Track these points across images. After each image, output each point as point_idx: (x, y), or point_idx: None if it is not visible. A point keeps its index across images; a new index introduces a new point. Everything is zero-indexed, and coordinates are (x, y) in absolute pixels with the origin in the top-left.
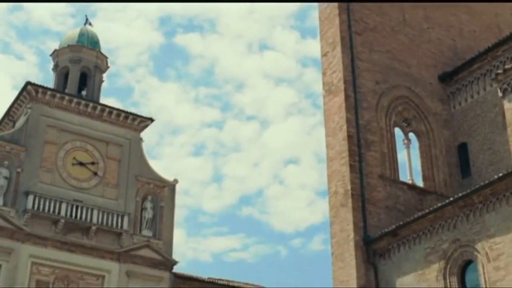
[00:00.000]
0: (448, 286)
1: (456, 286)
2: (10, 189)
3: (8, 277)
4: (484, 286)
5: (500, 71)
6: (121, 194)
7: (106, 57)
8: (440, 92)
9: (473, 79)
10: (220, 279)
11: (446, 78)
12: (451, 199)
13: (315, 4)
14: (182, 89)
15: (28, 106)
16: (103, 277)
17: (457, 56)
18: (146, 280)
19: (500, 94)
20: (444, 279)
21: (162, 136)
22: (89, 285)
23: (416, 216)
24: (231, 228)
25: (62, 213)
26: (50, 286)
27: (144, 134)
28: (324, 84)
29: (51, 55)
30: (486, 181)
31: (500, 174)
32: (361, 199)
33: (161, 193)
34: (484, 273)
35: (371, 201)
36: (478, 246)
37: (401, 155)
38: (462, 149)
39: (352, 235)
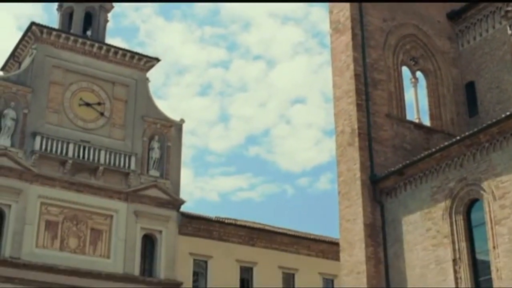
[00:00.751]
0: (454, 224)
1: (462, 224)
2: (18, 131)
3: (18, 217)
4: (489, 224)
5: (509, 8)
6: (128, 135)
7: None
8: (448, 30)
9: (482, 17)
10: (228, 218)
11: (454, 16)
12: (458, 138)
13: None
14: (188, 29)
15: (33, 47)
16: (111, 216)
17: None
18: (153, 219)
19: (509, 32)
20: (450, 217)
21: (168, 76)
22: (98, 224)
23: (422, 155)
24: (238, 167)
25: (70, 153)
26: (59, 225)
27: (150, 74)
28: (331, 22)
29: None
30: (493, 120)
31: (508, 113)
32: (368, 138)
33: (168, 133)
34: (489, 212)
35: (378, 140)
36: (484, 184)
37: (409, 94)
38: (470, 87)
39: (358, 174)
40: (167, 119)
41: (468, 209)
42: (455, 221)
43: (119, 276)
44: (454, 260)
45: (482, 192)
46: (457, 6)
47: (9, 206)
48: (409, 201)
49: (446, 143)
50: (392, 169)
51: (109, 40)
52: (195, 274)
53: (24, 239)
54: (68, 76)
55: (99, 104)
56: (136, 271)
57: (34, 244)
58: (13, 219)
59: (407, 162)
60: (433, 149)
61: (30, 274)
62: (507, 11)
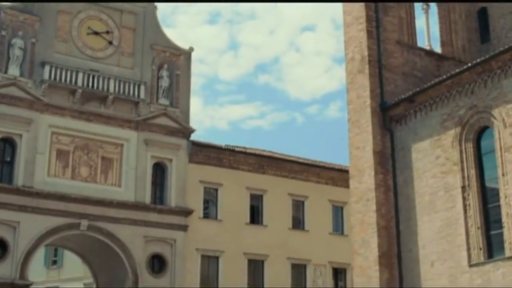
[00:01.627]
0: (463, 151)
1: (471, 152)
2: (26, 60)
3: (29, 147)
4: (499, 151)
5: None
6: (137, 63)
7: None
8: None
9: None
10: (237, 147)
11: None
12: (469, 64)
13: None
14: None
15: None
16: (122, 145)
17: None
18: (164, 148)
19: None
20: (460, 144)
21: (177, 5)
22: (109, 153)
23: (433, 82)
24: (248, 96)
25: (79, 82)
26: (70, 155)
27: (158, 3)
28: None
29: None
30: (506, 46)
31: None
32: (378, 65)
33: (177, 61)
34: (499, 139)
35: (388, 67)
36: (495, 112)
37: (420, 21)
38: (482, 14)
39: (368, 101)
40: (176, 47)
41: (478, 137)
42: (465, 148)
43: (131, 204)
44: (463, 187)
45: (492, 119)
46: None
47: (20, 135)
48: (418, 128)
49: (457, 70)
50: (402, 96)
51: None
52: (206, 201)
53: (36, 168)
54: (75, 4)
55: (107, 32)
56: (147, 199)
57: (46, 173)
58: (25, 148)
59: (418, 89)
60: (444, 76)
61: (42, 203)
62: None
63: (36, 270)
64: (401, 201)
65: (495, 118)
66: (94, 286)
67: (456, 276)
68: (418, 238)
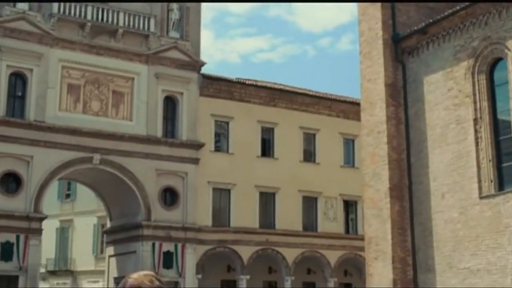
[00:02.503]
0: (476, 83)
1: (484, 84)
2: None
3: (40, 81)
4: None
5: None
6: None
7: None
8: None
9: None
10: (248, 80)
11: None
12: None
13: None
14: None
15: None
16: (133, 79)
17: None
18: (175, 81)
19: None
20: (473, 76)
21: None
22: (119, 87)
23: (446, 13)
24: (259, 28)
25: (88, 16)
26: (81, 89)
27: None
28: None
29: None
30: None
31: None
32: None
33: None
34: None
35: None
36: (509, 43)
37: None
38: None
39: (380, 33)
40: None
41: (491, 68)
42: (478, 80)
43: (142, 138)
44: (475, 120)
45: (506, 51)
46: None
47: (31, 70)
48: (431, 60)
49: (471, 1)
50: (415, 28)
51: None
52: (217, 135)
53: (47, 103)
54: None
55: None
56: (159, 133)
57: (57, 108)
58: (36, 83)
59: (431, 20)
60: (458, 7)
61: (54, 137)
62: None
63: (50, 203)
64: (413, 133)
65: (508, 49)
66: (107, 219)
67: (466, 208)
68: (429, 171)
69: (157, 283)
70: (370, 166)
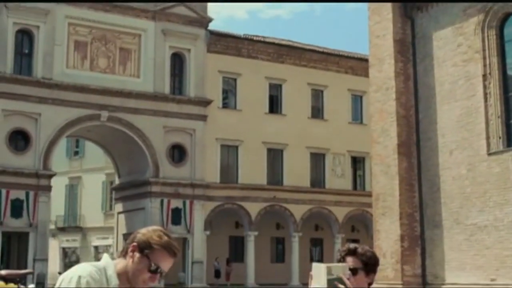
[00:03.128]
0: (486, 39)
1: (494, 39)
2: None
3: (47, 38)
4: None
5: None
6: None
7: None
8: None
9: None
10: (256, 36)
11: None
12: None
13: None
14: None
15: None
16: (140, 36)
17: None
18: (182, 38)
19: None
20: (482, 32)
21: None
22: (127, 44)
23: None
24: None
25: None
26: (88, 46)
27: None
28: None
29: None
30: None
31: None
32: None
33: None
34: None
35: None
36: None
37: None
38: None
39: None
40: None
41: (501, 24)
42: (487, 36)
43: (150, 95)
44: (484, 76)
45: None
46: None
47: (38, 27)
48: (440, 16)
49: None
50: None
51: None
52: (225, 91)
53: (54, 60)
54: None
55: None
56: (166, 90)
57: (65, 65)
58: (43, 40)
59: None
60: None
61: (62, 94)
62: None
63: (59, 160)
64: (421, 90)
65: None
66: (116, 176)
67: (474, 165)
68: (437, 127)
69: (165, 238)
70: (378, 122)
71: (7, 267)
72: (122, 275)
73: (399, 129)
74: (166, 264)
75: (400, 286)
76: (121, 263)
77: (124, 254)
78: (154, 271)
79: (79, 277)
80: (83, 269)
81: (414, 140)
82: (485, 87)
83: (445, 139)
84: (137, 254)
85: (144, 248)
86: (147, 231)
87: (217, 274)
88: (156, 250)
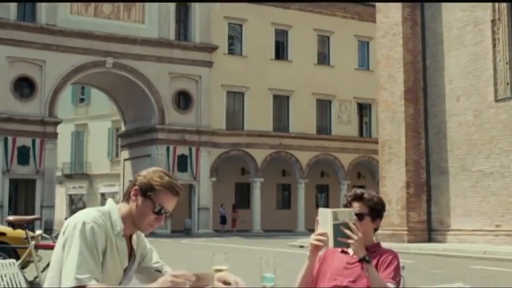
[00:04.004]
0: None
1: None
2: None
3: None
4: None
5: None
6: None
7: None
8: None
9: None
10: None
11: None
12: None
13: None
14: None
15: None
16: None
17: None
18: None
19: None
20: None
21: None
22: None
23: None
24: None
25: None
26: None
27: None
28: None
29: None
30: None
31: None
32: None
33: None
34: None
35: None
36: None
37: None
38: None
39: None
40: None
41: None
42: None
43: (155, 41)
44: (493, 21)
45: None
46: None
47: None
48: None
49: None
50: None
51: None
52: (230, 37)
53: (58, 6)
54: None
55: None
56: (172, 36)
57: (69, 11)
58: None
59: None
60: None
61: (66, 41)
62: None
63: (64, 108)
64: (428, 35)
65: None
66: (122, 123)
67: (481, 111)
68: (444, 73)
69: (167, 178)
70: (385, 68)
71: (15, 214)
72: (127, 219)
73: (406, 75)
74: (170, 204)
75: (406, 232)
76: (124, 207)
77: (127, 198)
78: (159, 213)
79: (84, 223)
80: (87, 214)
81: (421, 86)
82: (493, 32)
83: (452, 86)
84: (140, 197)
85: (147, 190)
86: (148, 173)
87: (223, 220)
88: (159, 191)
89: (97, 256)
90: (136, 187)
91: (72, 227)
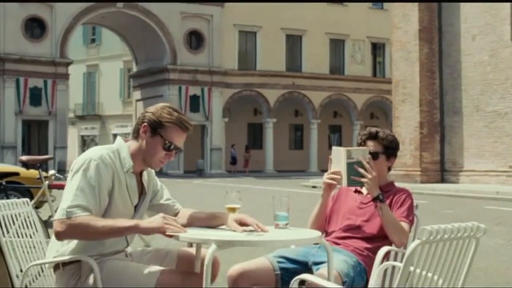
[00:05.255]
0: None
1: None
2: None
3: None
4: None
5: None
6: None
7: None
8: None
9: None
10: None
11: None
12: None
13: None
14: None
15: None
16: None
17: None
18: None
19: None
20: None
21: None
22: None
23: None
24: None
25: None
26: None
27: None
28: None
29: None
30: None
31: None
32: None
33: None
34: None
35: None
36: None
37: None
38: None
39: None
40: None
41: None
42: None
43: None
44: None
45: None
46: None
47: None
48: None
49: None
50: None
51: None
52: None
53: None
54: None
55: None
56: None
57: None
58: None
59: None
60: None
61: None
62: None
63: (76, 48)
64: None
65: None
66: (133, 63)
67: (497, 51)
68: (460, 12)
69: (175, 114)
70: (399, 7)
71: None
72: (136, 156)
73: (420, 14)
74: (179, 140)
75: (419, 172)
76: (133, 144)
77: (136, 136)
78: (169, 149)
79: (90, 160)
80: (94, 152)
81: (436, 25)
82: None
83: (468, 25)
84: (149, 134)
85: (156, 127)
86: (156, 109)
87: (234, 161)
88: (168, 128)
89: (99, 193)
90: (145, 124)
91: (78, 164)
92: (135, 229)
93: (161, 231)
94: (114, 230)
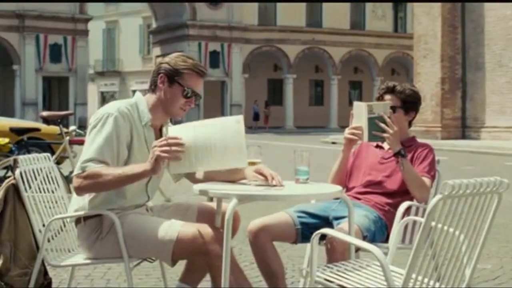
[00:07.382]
0: None
1: None
2: None
3: None
4: None
5: None
6: None
7: None
8: None
9: None
10: None
11: None
12: None
13: None
14: None
15: None
16: None
17: None
18: None
19: None
20: None
21: None
22: None
23: None
24: None
25: None
26: None
27: None
28: None
29: None
30: None
31: None
32: None
33: None
34: None
35: None
36: None
37: None
38: None
39: None
40: None
41: None
42: None
43: None
44: None
45: None
46: None
47: None
48: None
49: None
50: None
51: None
52: None
53: None
54: None
55: None
56: None
57: None
58: None
59: None
60: None
61: None
62: None
63: (95, 5)
64: None
65: None
66: (153, 19)
67: None
68: None
69: (190, 60)
70: None
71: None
72: (156, 108)
73: None
74: (198, 86)
75: (440, 129)
76: (151, 97)
77: (153, 88)
78: (189, 95)
79: (108, 114)
80: (113, 106)
81: None
82: None
83: None
84: (167, 84)
85: (173, 75)
86: (171, 59)
87: (256, 117)
88: (186, 74)
89: (117, 145)
90: (162, 74)
91: (96, 118)
92: (144, 174)
93: (158, 163)
94: (126, 176)
